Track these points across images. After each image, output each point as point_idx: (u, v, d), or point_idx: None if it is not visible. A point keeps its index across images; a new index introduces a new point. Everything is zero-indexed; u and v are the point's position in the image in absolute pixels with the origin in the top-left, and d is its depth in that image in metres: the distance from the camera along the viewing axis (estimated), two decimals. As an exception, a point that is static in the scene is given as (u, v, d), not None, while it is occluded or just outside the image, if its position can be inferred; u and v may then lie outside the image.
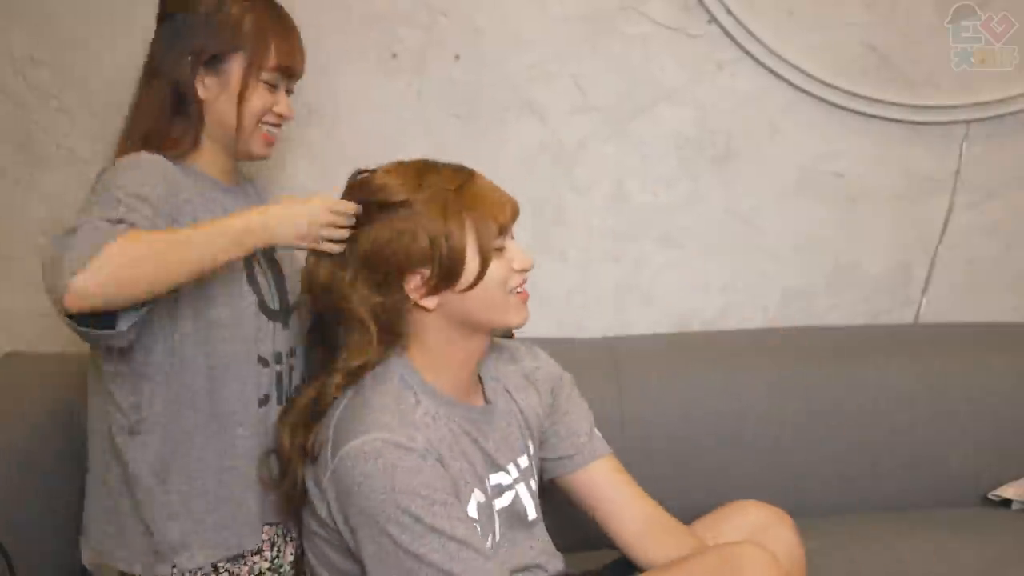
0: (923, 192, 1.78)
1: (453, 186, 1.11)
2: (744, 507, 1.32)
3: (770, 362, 1.66)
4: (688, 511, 1.40)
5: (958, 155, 1.75)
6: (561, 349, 1.66)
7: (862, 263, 1.81)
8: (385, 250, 1.11)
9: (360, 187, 1.16)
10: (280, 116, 1.27)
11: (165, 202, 1.12)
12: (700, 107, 1.70)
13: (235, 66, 1.22)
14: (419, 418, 1.12)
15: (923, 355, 1.69)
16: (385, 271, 1.12)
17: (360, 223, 1.14)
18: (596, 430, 1.32)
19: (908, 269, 1.82)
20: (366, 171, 1.19)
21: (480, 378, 1.26)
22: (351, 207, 1.13)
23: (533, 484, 1.26)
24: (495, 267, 1.12)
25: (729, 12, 1.63)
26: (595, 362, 1.64)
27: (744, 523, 1.28)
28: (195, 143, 1.24)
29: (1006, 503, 1.65)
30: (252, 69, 1.22)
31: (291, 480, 1.16)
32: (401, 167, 1.15)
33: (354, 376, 1.15)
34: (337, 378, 1.14)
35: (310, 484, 1.14)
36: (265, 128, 1.26)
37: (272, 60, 1.23)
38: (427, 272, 1.11)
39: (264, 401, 1.24)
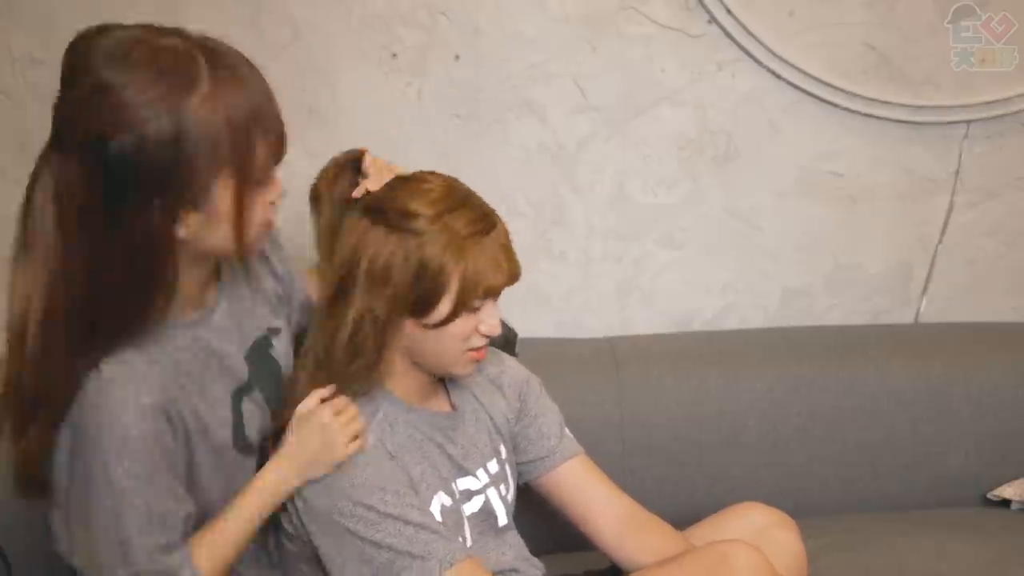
0: (923, 192, 1.78)
1: (466, 232, 1.09)
2: (746, 509, 1.32)
3: (770, 362, 1.66)
4: (688, 511, 1.40)
5: (958, 155, 1.75)
6: (561, 349, 1.67)
7: (862, 263, 1.81)
8: (379, 262, 1.09)
9: (393, 191, 1.12)
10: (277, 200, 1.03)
11: (167, 427, 0.99)
12: (700, 107, 1.70)
13: (223, 189, 0.94)
14: (378, 422, 1.13)
15: (923, 355, 1.69)
16: (371, 280, 1.10)
17: (374, 206, 1.11)
18: (567, 430, 1.31)
19: (908, 269, 1.82)
20: (400, 176, 1.14)
21: (445, 385, 1.26)
22: (340, 400, 1.12)
23: (504, 489, 1.25)
24: (461, 322, 1.11)
25: (729, 12, 1.63)
26: (595, 362, 1.64)
27: (746, 525, 1.28)
28: (167, 303, 0.98)
29: (1006, 503, 1.66)
30: (246, 187, 0.95)
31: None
32: (433, 197, 1.10)
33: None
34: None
35: None
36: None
37: (262, 157, 0.96)
38: (403, 293, 1.09)
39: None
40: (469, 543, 1.17)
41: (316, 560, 1.11)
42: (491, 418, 1.26)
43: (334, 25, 1.62)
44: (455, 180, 1.15)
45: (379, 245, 1.09)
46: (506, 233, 1.15)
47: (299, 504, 1.10)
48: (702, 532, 1.30)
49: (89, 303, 0.92)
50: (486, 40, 1.64)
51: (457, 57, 1.65)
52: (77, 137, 0.90)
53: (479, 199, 1.14)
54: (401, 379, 1.17)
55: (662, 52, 1.67)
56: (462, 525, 1.17)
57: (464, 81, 1.66)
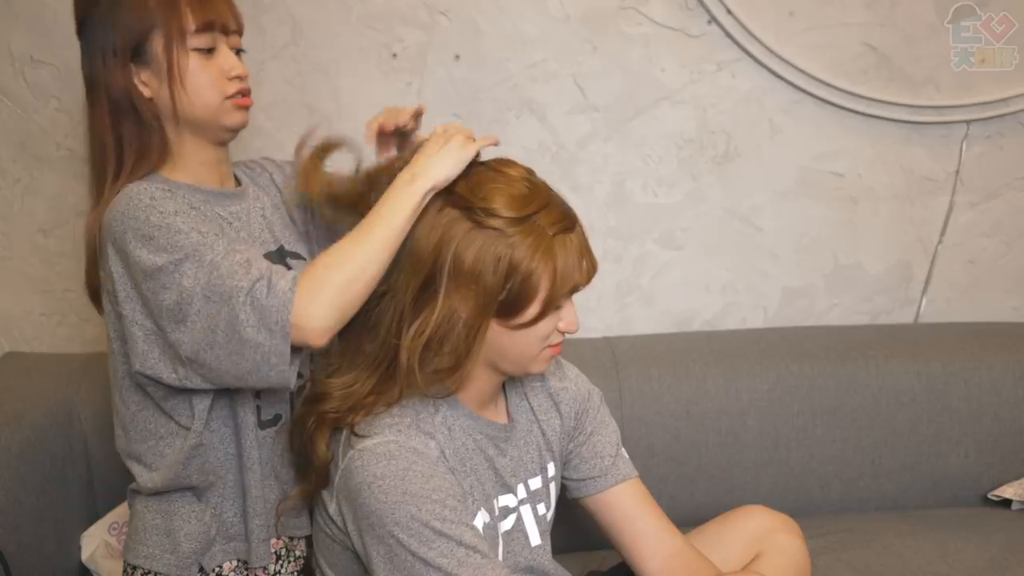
0: (923, 192, 1.78)
1: (552, 232, 1.07)
2: (749, 512, 1.30)
3: (770, 362, 1.66)
4: (688, 511, 1.40)
5: (958, 155, 1.76)
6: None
7: (862, 263, 1.81)
8: (466, 261, 1.06)
9: (477, 183, 1.09)
10: (239, 78, 1.13)
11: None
12: (700, 107, 1.70)
13: (158, 47, 1.09)
14: (436, 425, 1.10)
15: (923, 355, 1.69)
16: (457, 279, 1.07)
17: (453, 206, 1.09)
18: (623, 451, 1.27)
19: (908, 269, 1.82)
20: (482, 164, 1.12)
21: (505, 392, 1.22)
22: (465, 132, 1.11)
23: (542, 509, 1.22)
24: (545, 321, 1.09)
25: (729, 12, 1.63)
26: (595, 362, 1.64)
27: (750, 529, 1.27)
28: (163, 151, 1.13)
29: (1006, 503, 1.66)
30: (172, 43, 1.08)
31: (319, 482, 1.13)
32: (519, 194, 1.07)
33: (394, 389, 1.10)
34: (389, 396, 1.09)
35: None
36: (234, 95, 1.13)
37: (191, 22, 1.09)
38: (491, 296, 1.07)
39: (274, 422, 1.19)
40: (500, 560, 1.14)
41: (350, 547, 1.08)
42: (543, 434, 1.23)
43: (334, 24, 1.62)
44: (531, 172, 1.13)
45: (466, 241, 1.06)
46: (583, 228, 1.13)
47: (356, 507, 1.05)
48: (705, 535, 1.29)
49: (107, 148, 1.13)
50: (486, 40, 1.65)
51: (457, 57, 1.65)
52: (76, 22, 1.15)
53: (557, 194, 1.12)
54: (471, 383, 1.13)
55: (662, 52, 1.67)
56: (497, 544, 1.15)
57: (464, 81, 1.66)
